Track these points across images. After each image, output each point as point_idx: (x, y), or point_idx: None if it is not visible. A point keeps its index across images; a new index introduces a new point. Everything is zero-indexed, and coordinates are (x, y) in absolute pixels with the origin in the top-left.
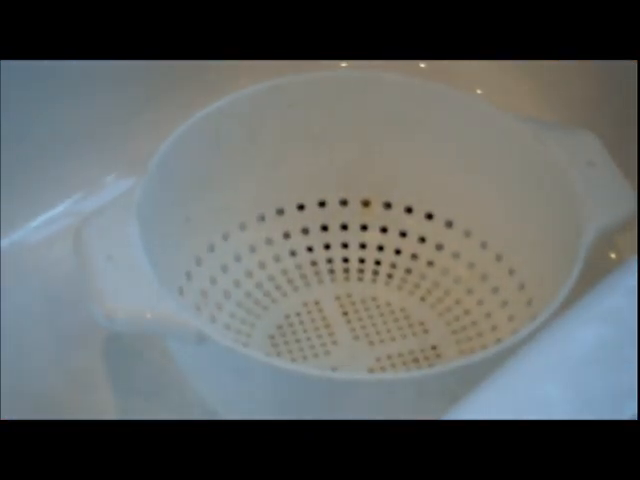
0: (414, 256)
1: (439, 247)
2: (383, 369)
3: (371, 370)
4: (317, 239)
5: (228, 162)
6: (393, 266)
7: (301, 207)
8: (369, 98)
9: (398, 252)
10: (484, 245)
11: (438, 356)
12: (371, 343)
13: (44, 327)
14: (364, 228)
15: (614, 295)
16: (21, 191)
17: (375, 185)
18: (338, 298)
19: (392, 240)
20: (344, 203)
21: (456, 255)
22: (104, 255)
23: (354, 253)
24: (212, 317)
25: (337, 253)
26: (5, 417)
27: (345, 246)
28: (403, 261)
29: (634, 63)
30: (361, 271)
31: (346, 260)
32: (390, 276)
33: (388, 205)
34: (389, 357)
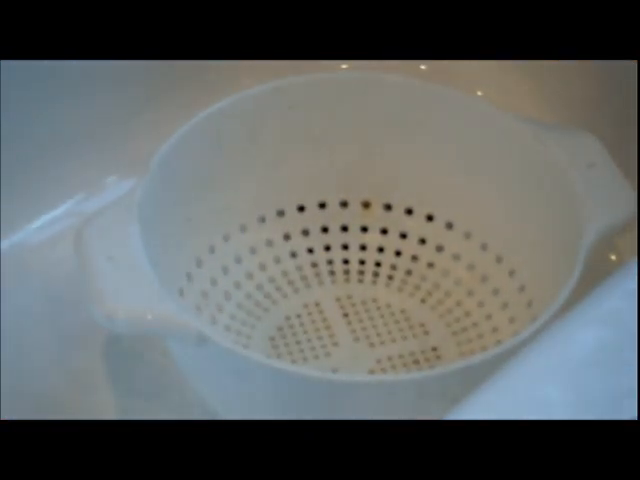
0: (414, 257)
1: (439, 248)
2: (384, 370)
3: (371, 371)
4: (317, 240)
5: (229, 163)
6: (393, 267)
7: (301, 208)
8: (369, 100)
9: (398, 253)
10: (484, 247)
11: (438, 357)
12: (371, 344)
13: (45, 327)
14: (364, 230)
15: (614, 297)
16: (21, 191)
17: (375, 186)
18: (338, 299)
19: (392, 241)
20: (344, 204)
21: (456, 257)
22: (105, 255)
23: (354, 254)
24: (212, 318)
25: (337, 254)
26: (5, 417)
27: (345, 247)
28: (403, 262)
29: (634, 63)
30: (361, 272)
31: (346, 261)
32: (390, 277)
33: (388, 207)
34: (390, 358)
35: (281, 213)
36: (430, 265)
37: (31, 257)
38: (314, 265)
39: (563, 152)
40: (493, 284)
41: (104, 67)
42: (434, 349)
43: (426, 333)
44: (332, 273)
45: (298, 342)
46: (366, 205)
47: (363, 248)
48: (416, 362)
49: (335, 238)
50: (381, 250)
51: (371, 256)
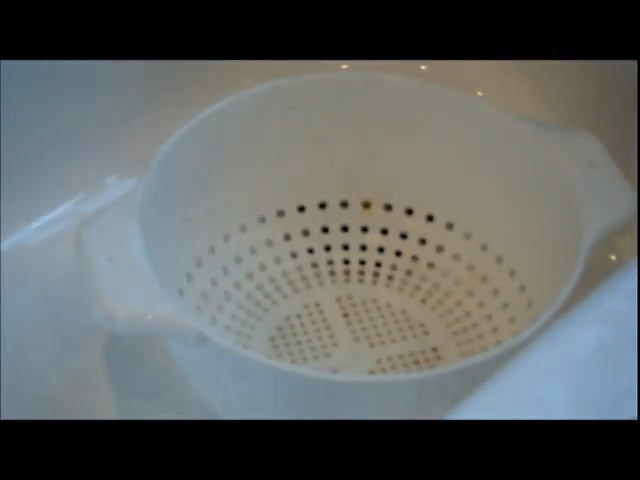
0: (415, 258)
1: (440, 249)
2: (384, 371)
3: (371, 372)
4: (318, 241)
5: (229, 163)
6: (394, 268)
7: (302, 209)
8: (369, 100)
9: (399, 254)
10: (484, 247)
11: (439, 358)
12: (372, 345)
13: (45, 328)
14: (365, 230)
15: (614, 297)
16: (21, 192)
17: (375, 187)
18: (339, 300)
19: (393, 242)
20: (344, 205)
21: (457, 257)
22: (105, 256)
23: (355, 255)
24: (212, 318)
25: (338, 255)
26: (5, 417)
27: (346, 248)
28: (404, 263)
29: (634, 63)
30: (362, 273)
31: (347, 262)
32: (391, 278)
33: (389, 207)
34: (390, 359)
35: (281, 213)
36: (430, 265)
37: (31, 257)
38: (314, 265)
39: (563, 152)
40: (493, 284)
41: (104, 67)
42: (434, 349)
43: (426, 333)
44: (332, 273)
45: (298, 342)
46: (366, 205)
47: (363, 248)
48: (416, 362)
49: (335, 238)
50: (381, 250)
51: (371, 256)
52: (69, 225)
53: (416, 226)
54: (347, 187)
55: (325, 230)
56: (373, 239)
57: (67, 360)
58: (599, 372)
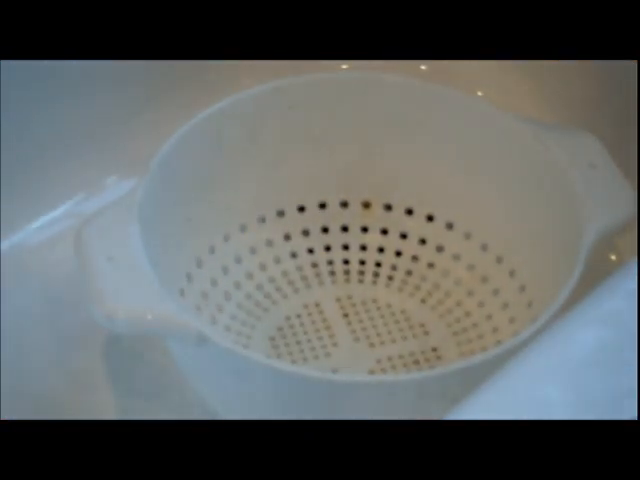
0: (415, 258)
1: (440, 249)
2: (384, 371)
3: (371, 372)
4: (318, 241)
5: (229, 163)
6: (394, 268)
7: (301, 209)
8: (369, 100)
9: (399, 254)
10: (484, 247)
11: (439, 358)
12: (372, 345)
13: (45, 328)
14: (365, 230)
15: (614, 297)
16: (21, 192)
17: (375, 187)
18: (339, 300)
19: (393, 242)
20: (344, 205)
21: (457, 257)
22: (105, 255)
23: (355, 255)
24: (212, 318)
25: (338, 255)
26: (5, 417)
27: (346, 248)
28: (404, 263)
29: (634, 63)
30: (362, 273)
31: (347, 262)
32: (391, 278)
33: (389, 207)
34: (390, 359)
35: (281, 213)
36: (430, 265)
37: (31, 258)
38: (314, 265)
39: (563, 152)
40: (493, 284)
41: (104, 67)
42: (434, 349)
43: (426, 333)
44: (332, 273)
45: (298, 342)
46: (366, 205)
47: (363, 248)
48: (416, 362)
49: (335, 238)
50: (381, 250)
51: (371, 256)
52: (69, 225)
53: (416, 226)
54: (347, 187)
55: (325, 230)
56: (373, 239)
57: (67, 360)
58: (599, 372)
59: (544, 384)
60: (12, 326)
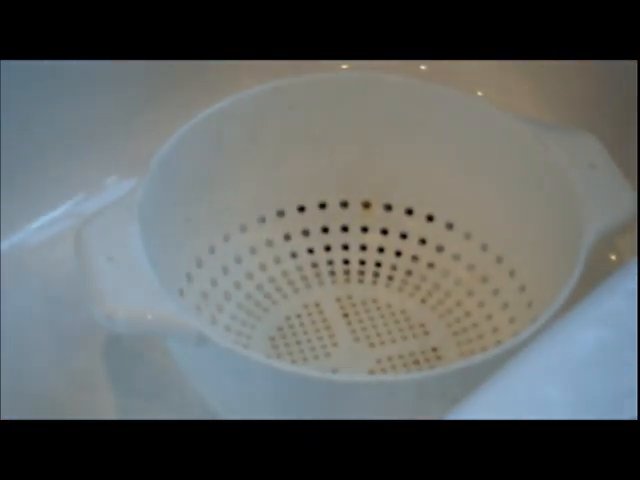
0: (415, 258)
1: (440, 249)
2: (383, 371)
3: (371, 372)
4: (318, 241)
5: (229, 163)
6: (394, 268)
7: (302, 209)
8: (369, 100)
9: (399, 254)
10: (484, 247)
11: (439, 358)
12: (371, 345)
13: (45, 328)
14: (365, 230)
15: (614, 297)
16: (21, 192)
17: (375, 187)
18: (339, 300)
19: (393, 242)
20: (345, 205)
21: (457, 257)
22: (105, 255)
23: (355, 255)
24: (212, 318)
25: (338, 255)
26: (5, 417)
27: (346, 248)
28: (404, 263)
29: (634, 63)
30: (362, 273)
31: (347, 262)
32: (391, 278)
33: (389, 207)
34: (390, 359)
35: (281, 213)
36: (430, 265)
37: (31, 258)
38: (314, 265)
39: (563, 152)
40: (493, 284)
41: (104, 67)
42: (434, 349)
43: (426, 333)
44: (332, 273)
45: (298, 342)
46: (366, 205)
47: (363, 248)
48: (416, 362)
49: (335, 238)
50: (381, 250)
51: (371, 256)
52: (69, 225)
53: (416, 226)
54: (347, 187)
55: (325, 230)
56: (373, 239)
57: (67, 360)
58: (599, 372)
59: (544, 384)
60: (12, 326)
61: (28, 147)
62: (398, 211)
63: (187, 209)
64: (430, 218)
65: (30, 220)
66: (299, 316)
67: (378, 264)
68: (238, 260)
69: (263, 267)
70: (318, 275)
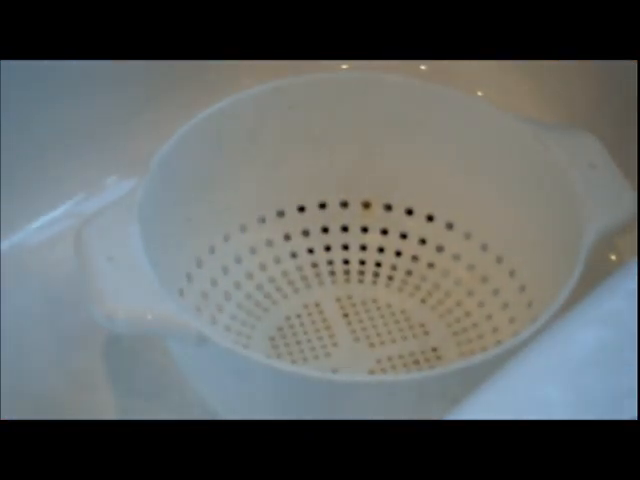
0: (415, 258)
1: (440, 249)
2: (384, 371)
3: (371, 372)
4: (318, 241)
5: (229, 163)
6: (394, 268)
7: (302, 209)
8: (369, 100)
9: (399, 254)
10: (484, 247)
11: (439, 358)
12: (371, 345)
13: (45, 328)
14: (365, 230)
15: (614, 297)
16: (21, 191)
17: (375, 187)
18: (339, 300)
19: (393, 242)
20: (344, 205)
21: (457, 257)
22: (105, 255)
23: (355, 255)
24: (212, 318)
25: (338, 255)
26: (5, 417)
27: (346, 248)
28: (404, 263)
29: (634, 63)
30: (362, 273)
31: (347, 262)
32: (391, 278)
33: (389, 207)
34: (390, 359)
35: (281, 213)
36: (430, 265)
37: (31, 258)
38: (314, 265)
39: (563, 152)
40: (493, 284)
41: (104, 67)
42: (434, 349)
43: (426, 333)
44: (332, 273)
45: (298, 342)
46: (366, 205)
47: (363, 248)
48: (416, 362)
49: (335, 238)
50: (381, 250)
51: (371, 256)
52: (69, 225)
53: (416, 226)
54: (347, 187)
55: (325, 230)
56: (373, 239)
57: (67, 360)
58: (599, 372)
59: (544, 384)
60: (12, 326)
61: (28, 147)
62: (398, 211)
63: (187, 209)
64: (430, 218)
65: (30, 220)
66: (299, 316)
67: (378, 264)
68: (238, 260)
69: (263, 267)
70: (318, 275)
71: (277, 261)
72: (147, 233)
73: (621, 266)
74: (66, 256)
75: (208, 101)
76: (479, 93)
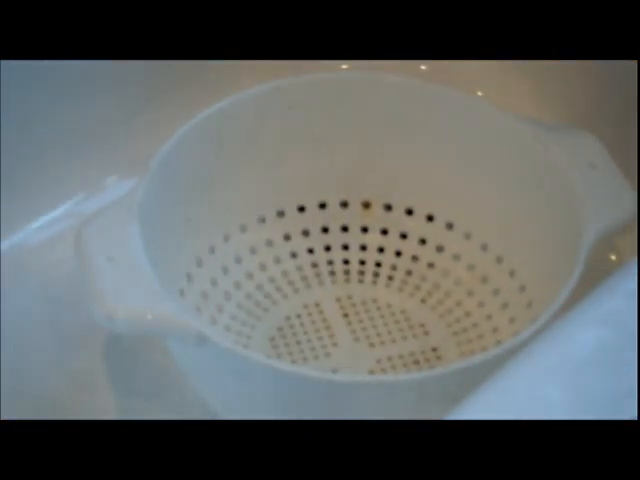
0: (415, 258)
1: (440, 249)
2: (384, 371)
3: (372, 372)
4: (318, 241)
5: (229, 163)
6: (394, 268)
7: (302, 209)
8: (369, 100)
9: (399, 254)
10: (484, 247)
11: (439, 358)
12: (372, 345)
13: (45, 328)
14: (365, 230)
15: (614, 297)
16: (21, 191)
17: (375, 187)
18: (339, 300)
19: (393, 242)
20: (344, 205)
21: (456, 257)
22: (105, 255)
23: (355, 255)
24: (212, 318)
25: (338, 255)
26: (5, 417)
27: (346, 248)
28: (404, 263)
29: (634, 63)
30: (362, 273)
31: (347, 262)
32: (391, 278)
33: (388, 207)
34: (390, 359)
35: (281, 213)
36: (430, 265)
37: (31, 258)
38: (314, 265)
39: (563, 152)
40: (493, 284)
41: (104, 67)
42: (434, 349)
43: (426, 333)
44: (332, 273)
45: (298, 342)
46: (366, 205)
47: (363, 248)
48: (416, 362)
49: (335, 238)
50: (381, 250)
51: (371, 256)
52: (69, 225)
53: (416, 226)
54: (347, 187)
55: (325, 230)
56: (373, 239)
57: (67, 360)
58: (599, 372)
59: (544, 384)
60: (12, 326)
61: (28, 147)
62: (398, 211)
63: (187, 209)
64: (430, 218)
65: (30, 220)
66: (299, 316)
67: (378, 264)
68: (238, 260)
69: (263, 267)
70: (318, 275)
71: (277, 261)
72: (147, 233)
73: (621, 266)
74: (66, 256)
75: (208, 101)
76: (479, 93)
